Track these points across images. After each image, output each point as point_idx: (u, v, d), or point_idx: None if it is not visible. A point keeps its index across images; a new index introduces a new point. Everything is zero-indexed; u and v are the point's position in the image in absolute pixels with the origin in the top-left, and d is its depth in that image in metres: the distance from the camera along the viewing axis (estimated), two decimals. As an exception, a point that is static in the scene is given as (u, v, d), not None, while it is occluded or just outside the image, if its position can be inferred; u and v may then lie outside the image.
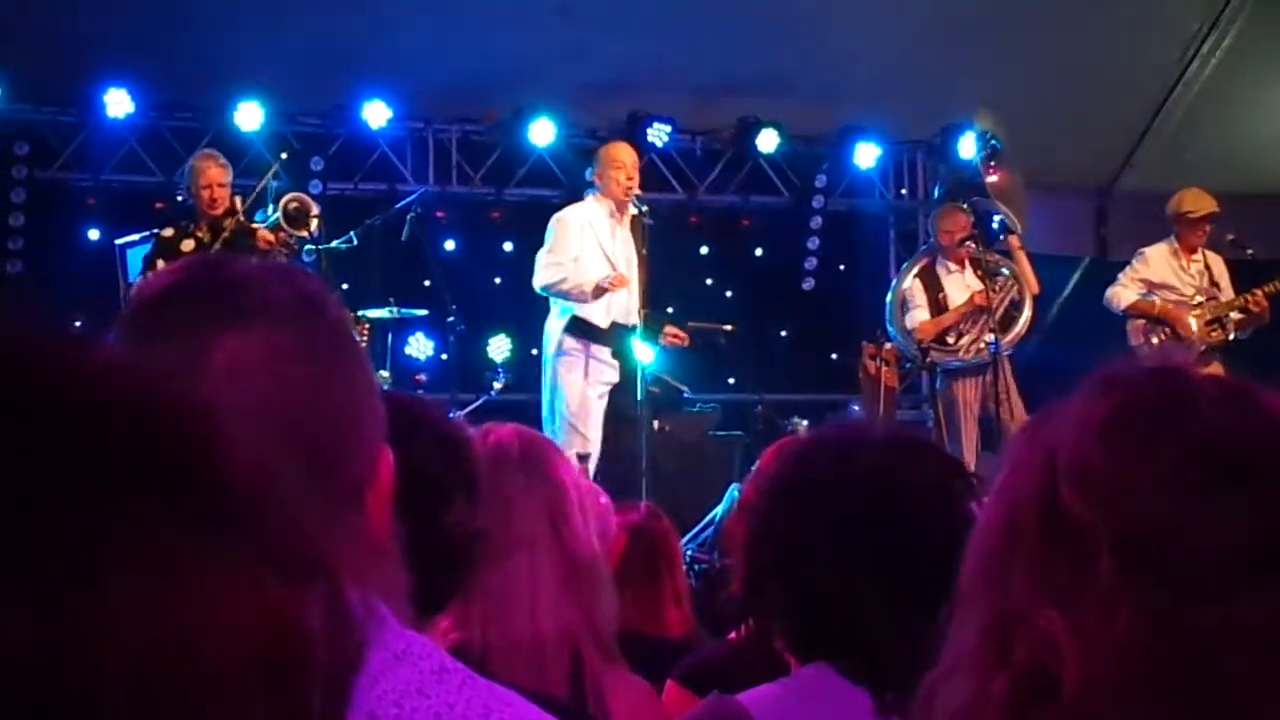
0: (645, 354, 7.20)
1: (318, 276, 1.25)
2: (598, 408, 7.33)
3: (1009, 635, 0.99)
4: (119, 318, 1.18)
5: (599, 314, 7.29)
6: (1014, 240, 8.57)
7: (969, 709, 1.00)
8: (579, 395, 7.28)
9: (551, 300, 7.43)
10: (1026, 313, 8.38)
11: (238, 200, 7.45)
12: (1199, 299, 8.60)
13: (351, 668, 0.70)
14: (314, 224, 7.34)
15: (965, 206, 8.60)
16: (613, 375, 7.32)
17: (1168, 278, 8.66)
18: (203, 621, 0.53)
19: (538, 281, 7.34)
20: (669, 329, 7.38)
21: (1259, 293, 8.40)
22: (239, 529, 0.56)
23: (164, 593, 0.52)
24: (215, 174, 7.36)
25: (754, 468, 2.95)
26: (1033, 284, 8.49)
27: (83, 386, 0.55)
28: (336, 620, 0.61)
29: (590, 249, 7.28)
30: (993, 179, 8.68)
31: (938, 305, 8.46)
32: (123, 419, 0.55)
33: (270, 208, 7.47)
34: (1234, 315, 8.53)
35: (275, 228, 7.23)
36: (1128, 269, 8.79)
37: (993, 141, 8.66)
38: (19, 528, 0.51)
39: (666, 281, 7.98)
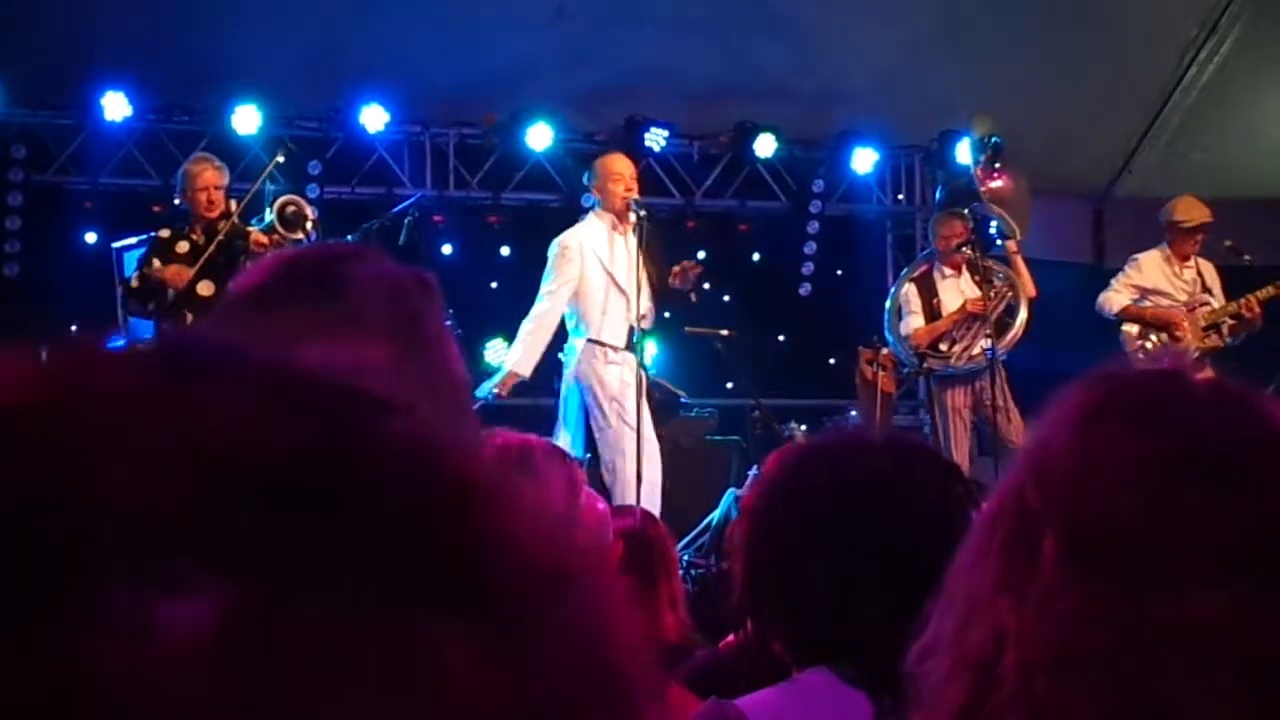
0: (650, 351, 7.21)
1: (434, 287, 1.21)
2: (630, 397, 7.18)
3: (968, 623, 1.00)
4: (216, 311, 1.15)
5: (613, 333, 7.23)
6: (1011, 245, 8.57)
7: (940, 697, 1.00)
8: (611, 399, 7.19)
9: (565, 317, 7.39)
10: (1022, 315, 8.37)
11: (233, 203, 7.44)
12: (1192, 306, 8.61)
13: None
14: (308, 226, 7.32)
15: (965, 212, 8.59)
16: (629, 374, 7.21)
17: (1160, 284, 8.67)
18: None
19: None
20: (680, 266, 7.27)
21: (1252, 298, 8.41)
22: (512, 633, 0.51)
23: (412, 687, 0.48)
24: (211, 177, 7.35)
25: (753, 474, 2.96)
26: (1029, 288, 8.49)
27: (380, 466, 0.51)
28: None
29: (594, 271, 7.24)
30: (997, 183, 8.64)
31: (932, 311, 8.46)
32: (408, 505, 0.50)
33: (268, 211, 7.46)
34: (1228, 321, 8.54)
35: (269, 230, 7.20)
36: (1120, 275, 8.80)
37: (994, 141, 8.62)
38: (274, 611, 0.47)
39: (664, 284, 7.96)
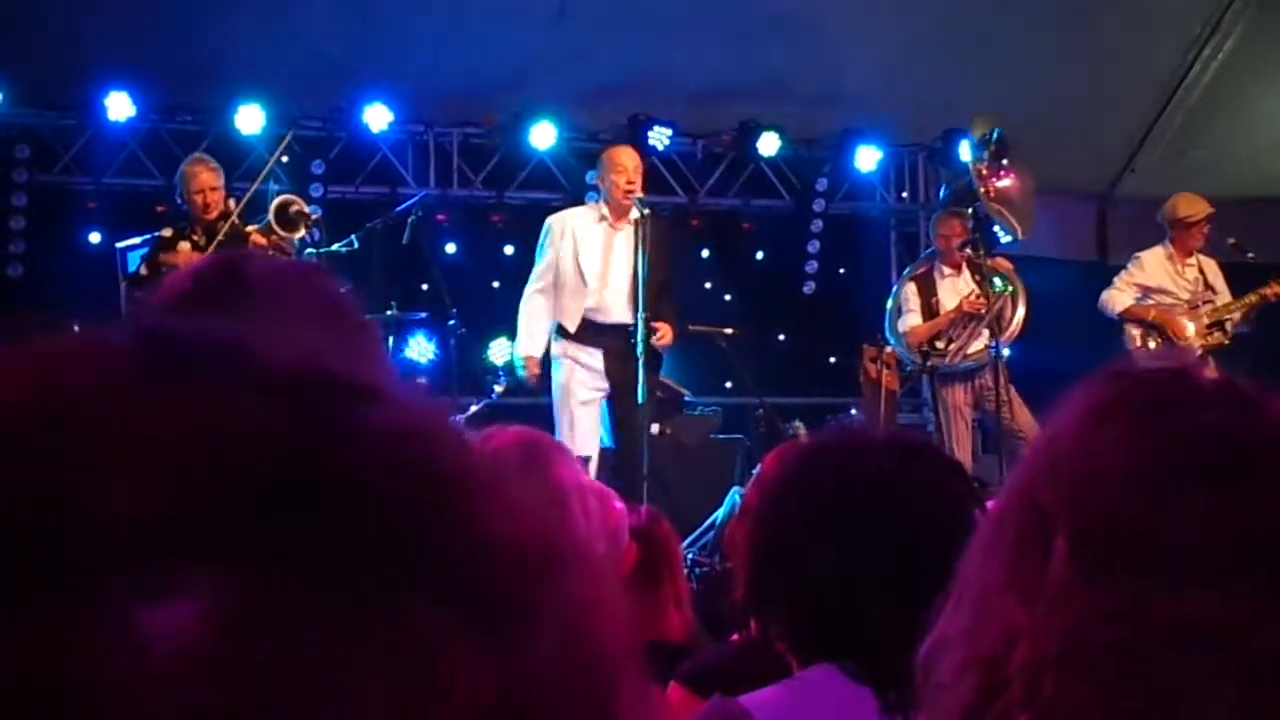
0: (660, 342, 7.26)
1: (335, 276, 1.22)
2: (583, 414, 7.30)
3: (979, 621, 1.00)
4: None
5: (569, 319, 7.33)
6: (1002, 261, 8.53)
7: (948, 695, 1.00)
8: (564, 400, 7.30)
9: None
10: (1021, 312, 8.36)
11: (232, 203, 7.44)
12: (1195, 304, 8.60)
13: None
14: (307, 225, 7.31)
15: (968, 211, 8.58)
16: (600, 382, 7.29)
17: (1163, 282, 8.66)
18: (445, 713, 0.49)
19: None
20: (657, 325, 7.34)
21: (1276, 284, 8.43)
22: (505, 615, 0.51)
23: (411, 680, 0.48)
24: (206, 178, 7.35)
25: (755, 472, 2.96)
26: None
27: (347, 453, 0.50)
28: None
29: (566, 255, 7.32)
30: (1004, 181, 8.62)
31: (930, 310, 8.46)
32: (398, 496, 0.50)
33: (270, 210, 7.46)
34: (1233, 316, 8.54)
35: (266, 229, 7.20)
36: (1123, 273, 8.79)
37: (999, 137, 8.60)
38: (268, 610, 0.47)
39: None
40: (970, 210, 8.61)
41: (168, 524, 0.47)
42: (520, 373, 7.40)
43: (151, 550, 0.47)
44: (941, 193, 10.20)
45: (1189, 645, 0.93)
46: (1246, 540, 0.95)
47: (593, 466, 6.91)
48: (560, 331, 7.36)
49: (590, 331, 7.29)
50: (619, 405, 7.27)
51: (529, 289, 7.45)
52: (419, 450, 0.52)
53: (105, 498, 0.47)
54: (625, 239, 7.31)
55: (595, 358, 7.29)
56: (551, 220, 7.54)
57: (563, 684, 0.52)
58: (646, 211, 7.23)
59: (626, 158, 7.44)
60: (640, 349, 7.05)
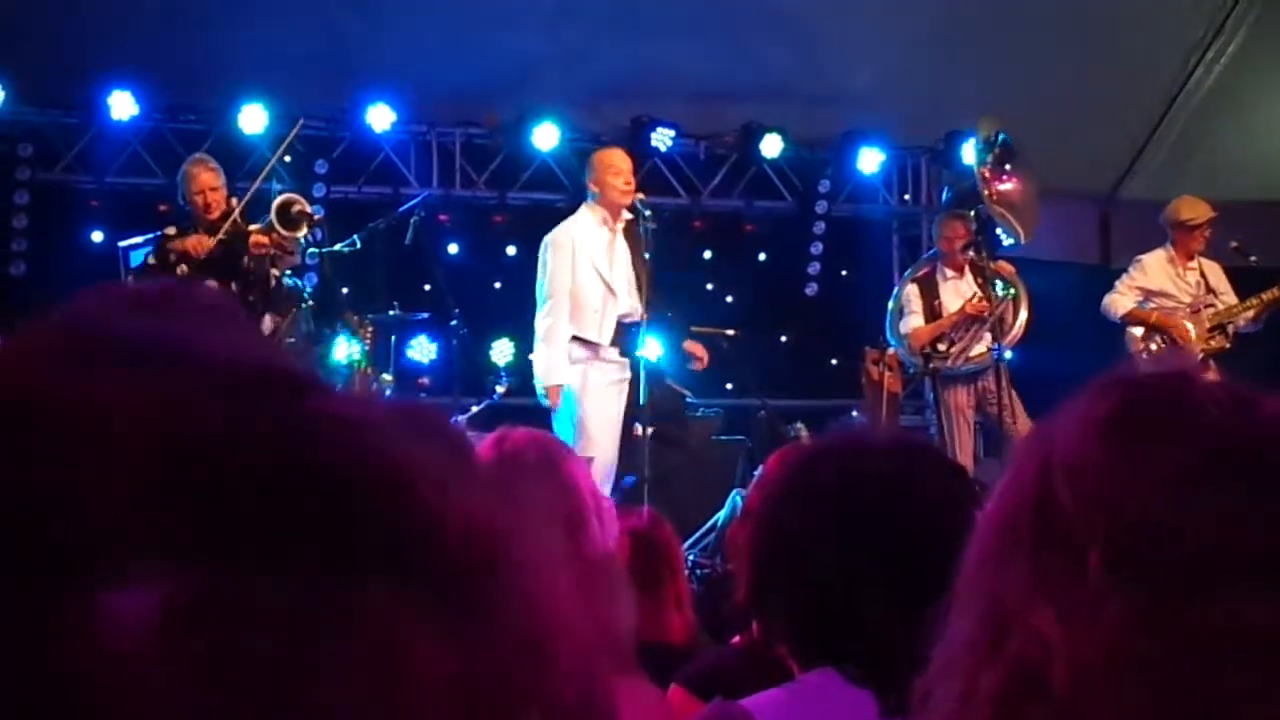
0: (653, 349, 7.21)
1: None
2: (616, 409, 7.27)
3: (1001, 632, 0.99)
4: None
5: (599, 332, 7.29)
6: (1004, 265, 8.52)
7: (961, 704, 1.00)
8: (593, 402, 7.27)
9: None
10: (1023, 315, 8.36)
11: (234, 202, 7.44)
12: (1196, 307, 8.60)
13: None
14: (308, 224, 7.31)
15: (971, 214, 8.57)
16: (623, 373, 7.28)
17: (1165, 285, 8.66)
18: (408, 699, 0.49)
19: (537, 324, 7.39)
20: (690, 344, 7.36)
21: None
22: (460, 600, 0.51)
23: (371, 664, 0.49)
24: (207, 179, 7.34)
25: (757, 474, 2.96)
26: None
27: (296, 442, 0.51)
28: (591, 709, 0.56)
29: (584, 268, 7.27)
30: (1007, 185, 8.61)
31: (933, 312, 8.45)
32: (348, 481, 0.51)
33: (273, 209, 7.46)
34: (1237, 320, 8.53)
35: (267, 229, 7.20)
36: (1125, 276, 8.79)
37: (1003, 140, 8.58)
38: (223, 595, 0.47)
39: (668, 286, 7.96)
40: (973, 213, 8.60)
41: (119, 515, 0.48)
42: (543, 400, 7.27)
43: (105, 541, 0.47)
44: (944, 194, 10.18)
45: (1236, 651, 0.93)
46: (1276, 541, 0.95)
47: (599, 466, 6.90)
48: (580, 342, 7.30)
49: (617, 335, 7.29)
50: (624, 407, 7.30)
51: (549, 318, 7.25)
52: (369, 438, 0.53)
53: (58, 490, 0.48)
54: (625, 238, 7.31)
55: (612, 353, 7.29)
56: (551, 239, 7.37)
57: (519, 664, 0.53)
58: (649, 213, 7.22)
59: (619, 159, 7.43)
60: (643, 346, 7.08)
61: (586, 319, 7.28)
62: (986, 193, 8.61)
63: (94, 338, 0.54)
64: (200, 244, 7.11)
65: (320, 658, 0.48)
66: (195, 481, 0.49)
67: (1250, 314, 8.52)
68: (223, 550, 0.48)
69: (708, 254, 10.63)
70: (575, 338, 7.27)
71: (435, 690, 0.50)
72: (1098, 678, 0.95)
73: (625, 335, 7.27)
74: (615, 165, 7.35)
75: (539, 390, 7.31)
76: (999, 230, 8.70)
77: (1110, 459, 0.99)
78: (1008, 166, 8.68)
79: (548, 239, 7.41)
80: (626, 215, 7.28)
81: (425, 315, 8.29)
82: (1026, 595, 0.99)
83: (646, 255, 7.21)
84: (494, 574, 0.53)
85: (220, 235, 7.18)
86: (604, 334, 7.28)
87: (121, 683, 0.46)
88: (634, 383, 7.20)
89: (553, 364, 7.24)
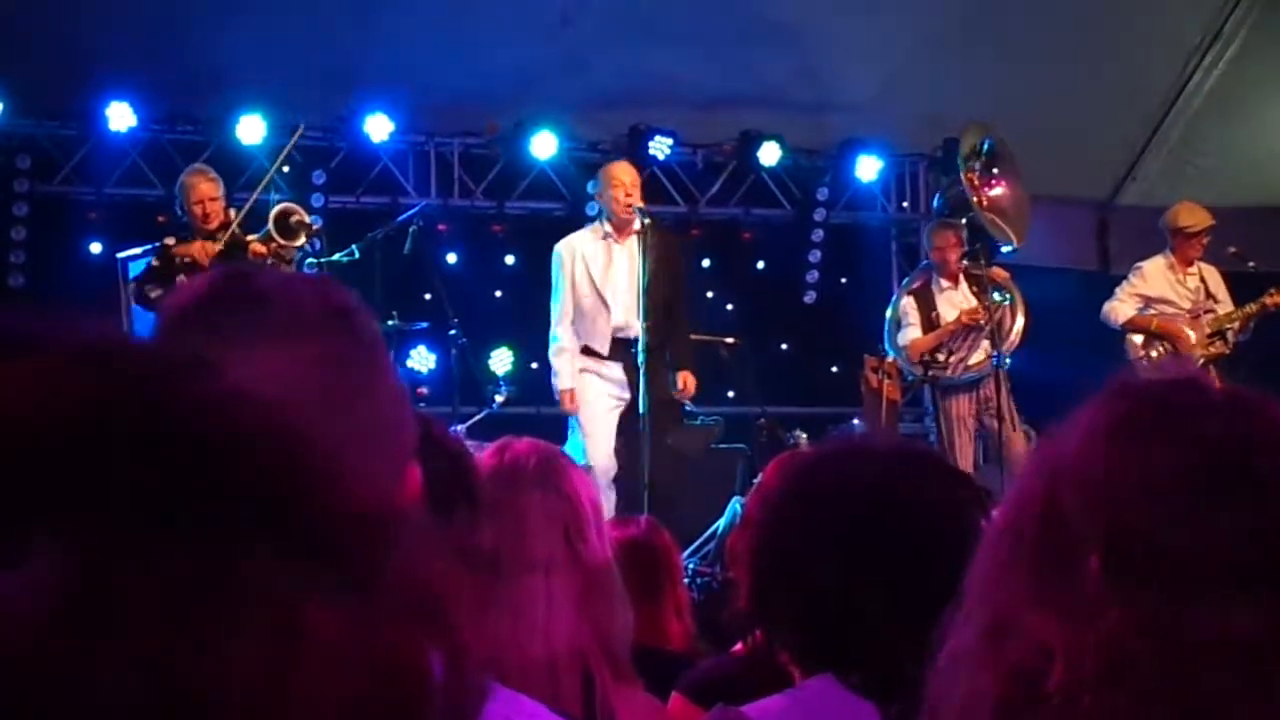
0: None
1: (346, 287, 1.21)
2: (601, 423, 7.35)
3: (1003, 636, 0.99)
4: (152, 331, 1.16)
5: (597, 341, 7.35)
6: (998, 271, 8.51)
7: (964, 708, 1.00)
8: (590, 409, 7.34)
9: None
10: (1020, 321, 8.35)
11: (232, 212, 7.44)
12: (1196, 313, 8.60)
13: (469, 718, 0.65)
14: (306, 234, 7.31)
15: (962, 222, 8.57)
16: (623, 391, 7.33)
17: (1165, 292, 8.66)
18: (304, 662, 0.50)
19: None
20: (683, 374, 7.40)
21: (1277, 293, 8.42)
22: (346, 566, 0.53)
23: (261, 630, 0.50)
24: (206, 189, 7.34)
25: (757, 481, 2.97)
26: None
27: (190, 418, 0.52)
28: (456, 668, 0.59)
29: (582, 281, 7.35)
30: (996, 191, 8.62)
31: (930, 323, 8.43)
32: (226, 452, 0.52)
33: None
34: (1235, 325, 8.54)
35: (266, 238, 7.20)
36: (1125, 284, 8.79)
37: (988, 146, 8.59)
38: (110, 567, 0.48)
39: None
40: (964, 221, 8.60)
41: (6, 491, 0.48)
42: (562, 405, 7.42)
43: None
44: (935, 201, 10.20)
45: (1231, 657, 0.93)
46: (1273, 550, 0.95)
47: (598, 475, 6.92)
48: (584, 350, 7.39)
49: (615, 348, 7.33)
50: (624, 416, 7.31)
51: (557, 326, 7.44)
52: (254, 412, 0.55)
53: None
54: (630, 253, 7.32)
55: (615, 369, 7.33)
56: (559, 248, 7.53)
57: (407, 629, 0.55)
58: (647, 221, 7.23)
59: (623, 172, 7.46)
60: (641, 359, 7.06)
61: (584, 329, 7.40)
62: (976, 199, 8.62)
63: None
64: (205, 250, 7.12)
65: (210, 621, 0.49)
66: (77, 457, 0.50)
67: (1236, 325, 8.54)
68: (111, 523, 0.49)
69: (706, 262, 10.63)
70: (585, 347, 7.37)
71: (327, 653, 0.51)
72: (1093, 684, 0.95)
73: (622, 350, 7.29)
74: (616, 178, 7.38)
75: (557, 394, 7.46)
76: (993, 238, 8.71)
77: (1114, 466, 1.00)
78: (995, 172, 8.69)
79: (557, 248, 7.56)
80: (636, 227, 7.27)
81: (424, 325, 8.29)
82: (1028, 601, 0.99)
83: (646, 265, 7.18)
84: (379, 540, 0.55)
85: (219, 245, 7.18)
86: (602, 346, 7.33)
87: (16, 657, 0.46)
88: (634, 392, 7.21)
89: (559, 370, 7.41)
